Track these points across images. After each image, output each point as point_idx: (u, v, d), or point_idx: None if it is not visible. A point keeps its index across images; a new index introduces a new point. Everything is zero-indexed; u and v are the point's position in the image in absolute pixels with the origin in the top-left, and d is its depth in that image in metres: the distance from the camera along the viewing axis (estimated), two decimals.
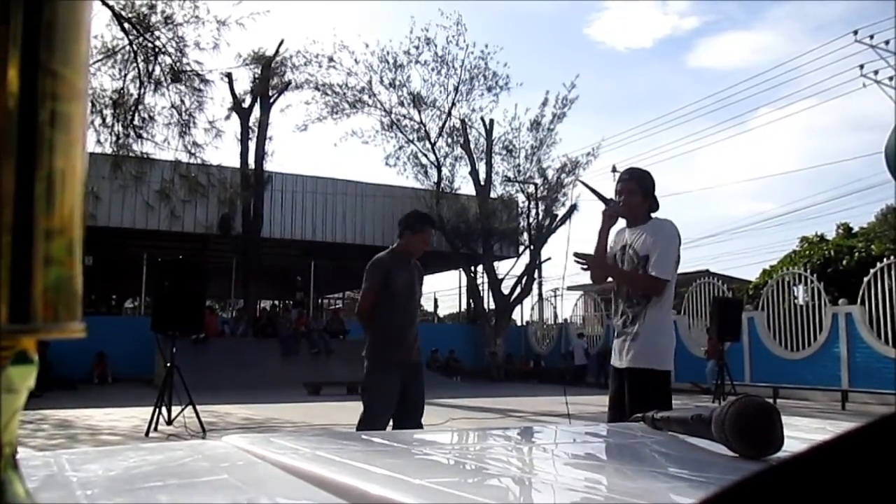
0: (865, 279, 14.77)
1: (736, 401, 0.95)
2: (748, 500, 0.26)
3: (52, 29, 0.30)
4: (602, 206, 3.62)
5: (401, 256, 4.39)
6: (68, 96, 0.31)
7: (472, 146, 22.65)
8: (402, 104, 22.23)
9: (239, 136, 20.41)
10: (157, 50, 13.59)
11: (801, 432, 1.21)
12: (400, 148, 22.73)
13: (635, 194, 3.54)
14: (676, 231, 3.51)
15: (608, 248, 3.63)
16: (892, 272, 14.17)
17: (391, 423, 4.22)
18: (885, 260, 14.56)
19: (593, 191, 3.73)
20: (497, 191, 23.17)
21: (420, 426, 4.24)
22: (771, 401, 0.95)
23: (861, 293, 14.78)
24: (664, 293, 3.45)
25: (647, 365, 3.42)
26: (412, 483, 0.76)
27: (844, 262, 18.77)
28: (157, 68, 13.75)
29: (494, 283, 22.90)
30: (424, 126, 22.38)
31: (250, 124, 20.58)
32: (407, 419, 4.23)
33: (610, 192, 3.69)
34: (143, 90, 13.78)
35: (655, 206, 3.59)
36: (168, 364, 8.15)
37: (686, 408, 1.15)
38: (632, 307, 3.53)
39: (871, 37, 18.62)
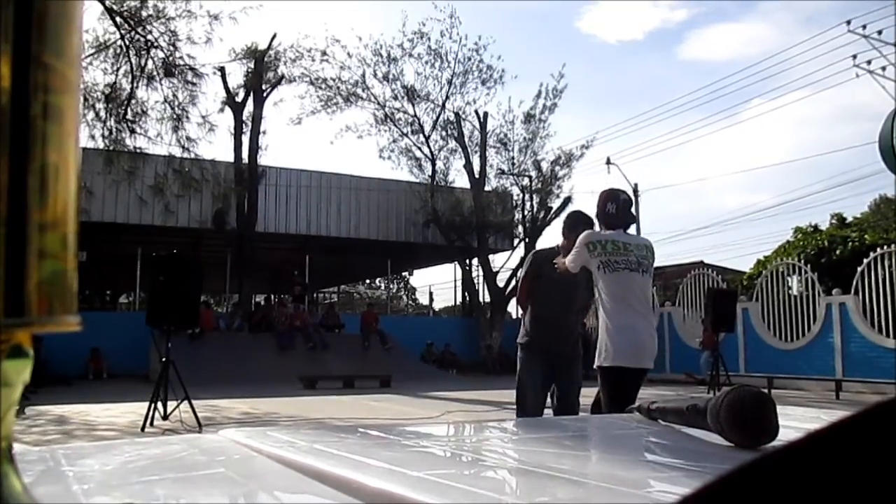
0: (859, 269, 14.83)
1: (731, 391, 0.95)
2: (743, 489, 0.26)
3: (44, 21, 0.30)
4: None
5: (558, 249, 4.57)
6: (61, 88, 0.31)
7: (466, 139, 22.64)
8: (395, 98, 22.23)
9: (232, 131, 20.35)
10: (149, 44, 13.53)
11: (796, 421, 1.22)
12: (394, 141, 22.73)
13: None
14: (587, 236, 4.03)
15: None
16: (886, 262, 14.23)
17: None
18: (878, 250, 14.62)
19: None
20: (491, 184, 23.19)
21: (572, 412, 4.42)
22: (766, 391, 0.95)
23: (855, 283, 14.84)
24: (607, 297, 3.98)
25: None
26: (410, 475, 0.76)
27: (838, 252, 18.83)
28: (150, 62, 13.70)
29: (490, 276, 22.91)
30: (418, 119, 22.38)
31: (244, 118, 20.52)
32: (561, 410, 4.46)
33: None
34: (135, 84, 13.73)
35: (607, 224, 4.12)
36: (163, 359, 8.14)
37: (681, 398, 1.16)
38: None
39: (864, 27, 18.64)
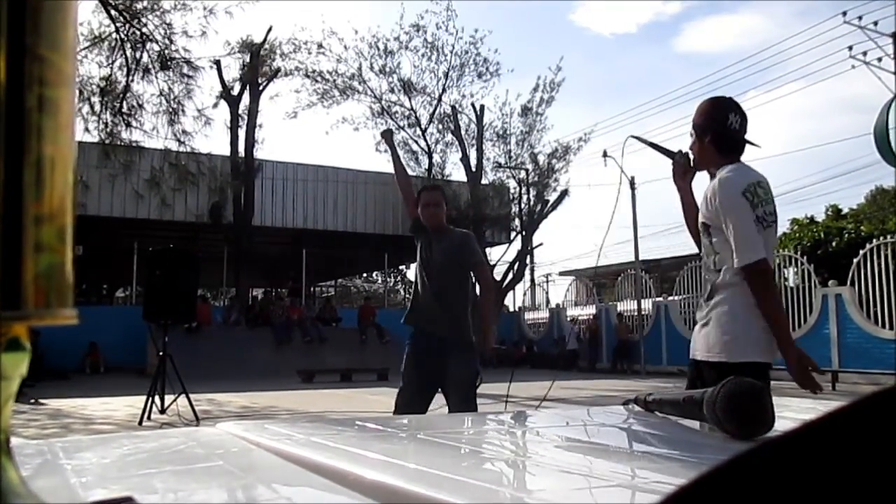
0: (855, 260, 14.86)
1: (727, 382, 0.96)
2: (739, 479, 0.26)
3: (39, 14, 0.30)
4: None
5: (426, 229, 4.23)
6: (56, 81, 0.30)
7: (462, 132, 22.61)
8: (392, 91, 22.17)
9: (228, 125, 20.30)
10: (144, 37, 13.47)
11: (792, 412, 1.23)
12: None
13: (692, 138, 2.77)
14: (739, 182, 2.57)
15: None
16: (882, 253, 14.26)
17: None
18: (874, 241, 14.65)
19: (654, 146, 3.11)
20: (488, 177, 23.17)
21: (460, 409, 3.91)
22: (761, 382, 0.96)
23: (851, 274, 14.87)
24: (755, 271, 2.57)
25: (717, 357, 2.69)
26: (407, 467, 0.77)
27: (834, 243, 18.85)
28: (145, 56, 13.65)
29: None
30: (415, 112, 22.33)
31: (240, 112, 20.46)
32: (448, 398, 4.05)
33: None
34: (130, 78, 13.68)
35: (724, 145, 2.67)
36: (161, 353, 8.13)
37: (678, 390, 1.16)
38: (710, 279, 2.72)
39: (860, 17, 18.63)
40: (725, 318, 2.66)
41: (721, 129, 2.67)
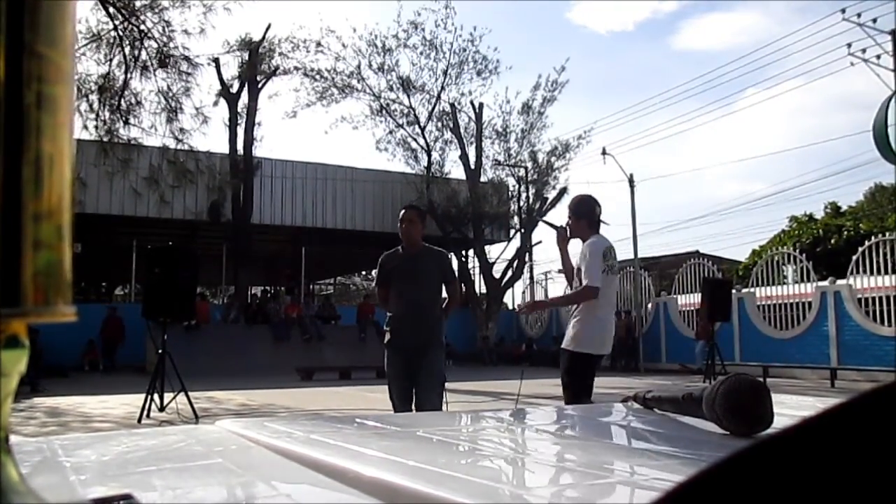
0: (854, 258, 14.87)
1: (726, 379, 0.96)
2: (737, 476, 0.26)
3: (37, 10, 0.30)
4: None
5: (402, 249, 4.74)
6: (54, 78, 0.30)
7: (461, 130, 22.59)
8: (391, 89, 22.15)
9: (227, 122, 20.27)
10: (142, 34, 13.45)
11: (791, 409, 1.23)
12: (390, 132, 22.66)
13: (570, 218, 4.42)
14: (601, 245, 4.26)
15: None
16: (881, 250, 14.27)
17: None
18: (873, 238, 14.66)
19: (547, 223, 4.96)
20: (487, 175, 23.15)
21: (431, 400, 4.49)
22: (761, 379, 0.96)
23: (849, 271, 14.88)
24: (598, 295, 4.20)
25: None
26: (406, 464, 0.77)
27: (833, 241, 18.88)
28: (144, 53, 13.62)
29: (486, 267, 22.90)
30: (414, 110, 22.31)
31: (238, 110, 20.44)
32: (419, 404, 4.52)
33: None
34: (129, 75, 13.65)
35: (594, 225, 4.35)
36: (160, 351, 8.13)
37: (677, 387, 1.16)
38: None
39: (859, 15, 18.59)
40: (577, 324, 4.26)
41: (591, 215, 4.37)
